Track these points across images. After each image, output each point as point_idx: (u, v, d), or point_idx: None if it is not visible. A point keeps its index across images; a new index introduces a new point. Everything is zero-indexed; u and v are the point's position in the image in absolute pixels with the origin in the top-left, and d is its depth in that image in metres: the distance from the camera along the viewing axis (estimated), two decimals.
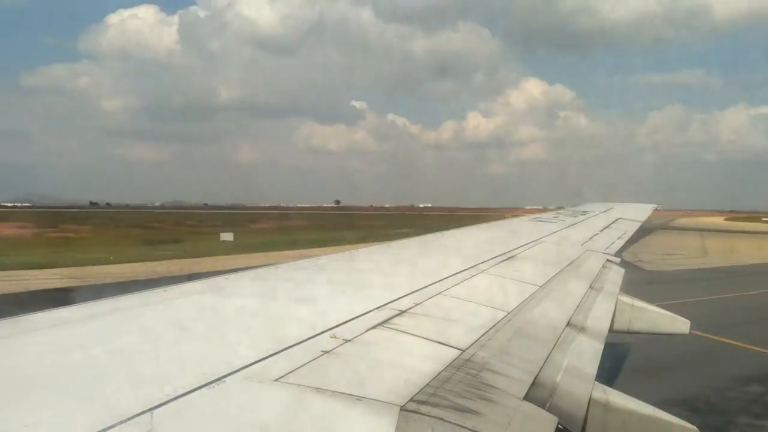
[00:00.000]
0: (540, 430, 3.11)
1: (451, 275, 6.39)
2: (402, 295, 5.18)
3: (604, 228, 14.67)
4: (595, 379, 4.18)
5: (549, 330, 4.99)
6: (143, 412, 2.47)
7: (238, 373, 3.03)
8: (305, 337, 3.72)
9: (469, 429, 2.83)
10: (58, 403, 2.63)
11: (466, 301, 5.45)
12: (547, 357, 4.26)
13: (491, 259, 7.86)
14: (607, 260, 9.60)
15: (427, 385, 3.23)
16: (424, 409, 2.90)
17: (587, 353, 4.68)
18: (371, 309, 4.62)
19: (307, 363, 3.29)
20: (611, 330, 6.31)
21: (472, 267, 7.07)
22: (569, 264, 8.56)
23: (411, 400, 2.98)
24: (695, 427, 4.07)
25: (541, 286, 6.54)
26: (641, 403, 4.16)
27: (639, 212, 18.96)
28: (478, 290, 5.97)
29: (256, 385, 2.95)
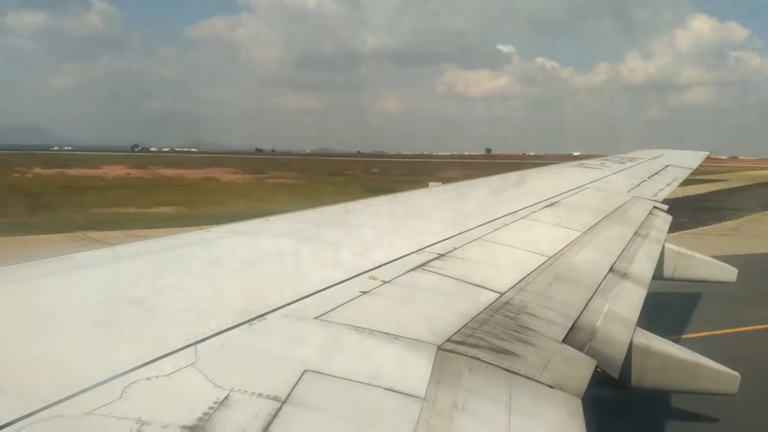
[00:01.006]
0: (578, 373, 3.10)
1: (492, 220, 6.33)
2: (442, 238, 5.17)
3: (653, 175, 14.24)
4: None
5: (590, 275, 4.92)
6: (188, 346, 2.56)
7: (278, 311, 3.10)
8: (345, 278, 3.77)
9: (506, 369, 2.85)
10: (109, 336, 2.75)
11: (505, 245, 5.41)
12: (588, 302, 4.21)
13: (534, 204, 7.74)
14: (654, 207, 9.34)
15: (465, 326, 3.24)
16: (461, 349, 2.93)
17: (629, 299, 4.61)
18: (411, 252, 4.63)
19: (346, 302, 3.34)
20: (657, 277, 6.19)
21: (514, 212, 6.98)
22: (614, 210, 8.36)
23: (448, 340, 3.00)
24: (738, 374, 4.00)
25: (583, 232, 6.42)
26: (683, 348, 4.10)
27: (690, 159, 18.28)
28: (518, 235, 5.90)
29: (296, 323, 3.01)
